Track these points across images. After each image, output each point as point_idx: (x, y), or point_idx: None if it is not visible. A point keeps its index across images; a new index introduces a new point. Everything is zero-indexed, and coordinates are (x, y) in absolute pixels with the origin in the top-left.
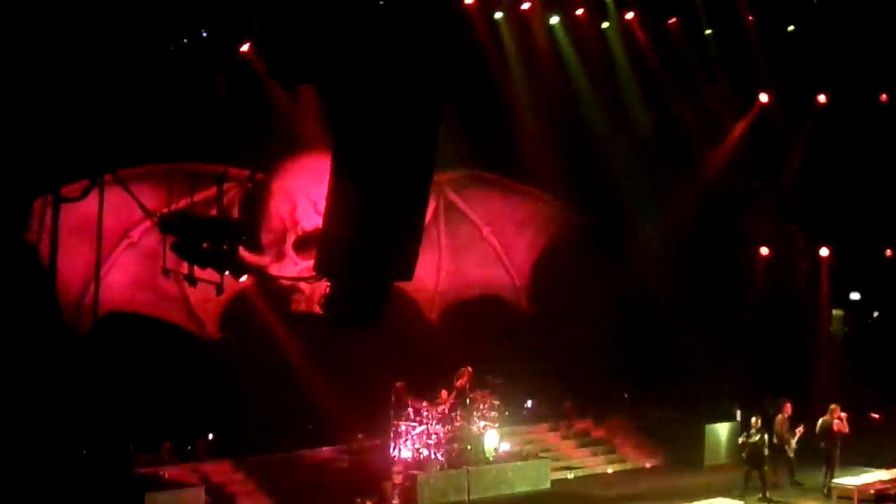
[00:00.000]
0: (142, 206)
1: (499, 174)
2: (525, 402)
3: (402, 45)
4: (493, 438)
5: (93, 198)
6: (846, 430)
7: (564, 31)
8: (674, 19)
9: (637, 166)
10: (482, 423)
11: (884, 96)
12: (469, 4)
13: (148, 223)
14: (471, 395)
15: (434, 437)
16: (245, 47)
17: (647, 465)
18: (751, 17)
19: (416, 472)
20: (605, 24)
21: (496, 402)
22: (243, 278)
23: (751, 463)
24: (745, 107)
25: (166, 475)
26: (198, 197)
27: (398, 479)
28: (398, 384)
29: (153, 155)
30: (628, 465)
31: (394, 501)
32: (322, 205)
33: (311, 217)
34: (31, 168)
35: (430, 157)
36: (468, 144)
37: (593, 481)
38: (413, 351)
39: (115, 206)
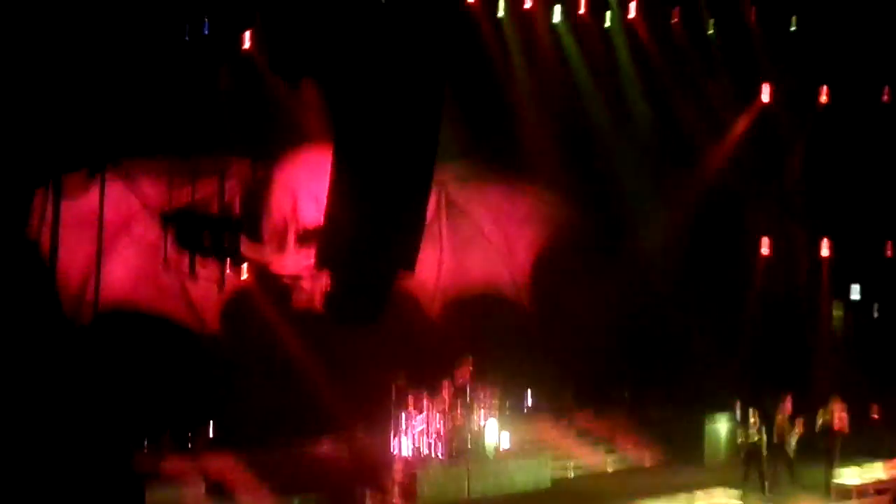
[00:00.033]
0: (143, 200)
1: (501, 170)
2: (525, 398)
3: (404, 40)
4: (494, 434)
5: (94, 191)
6: (847, 425)
7: (567, 27)
8: (676, 16)
9: (638, 163)
10: (483, 419)
11: (886, 95)
12: (471, 1)
13: (149, 216)
14: (471, 390)
15: (434, 432)
16: (247, 41)
17: (648, 461)
18: (753, 14)
19: (416, 467)
20: (607, 21)
21: (497, 398)
22: (245, 274)
23: (749, 461)
24: (746, 103)
25: (166, 468)
26: (199, 190)
27: (398, 474)
28: (399, 378)
29: (154, 148)
30: (628, 462)
31: (394, 496)
32: (324, 198)
33: (313, 211)
34: (32, 162)
35: (431, 151)
36: (470, 140)
37: (593, 476)
38: (413, 346)
39: (116, 200)
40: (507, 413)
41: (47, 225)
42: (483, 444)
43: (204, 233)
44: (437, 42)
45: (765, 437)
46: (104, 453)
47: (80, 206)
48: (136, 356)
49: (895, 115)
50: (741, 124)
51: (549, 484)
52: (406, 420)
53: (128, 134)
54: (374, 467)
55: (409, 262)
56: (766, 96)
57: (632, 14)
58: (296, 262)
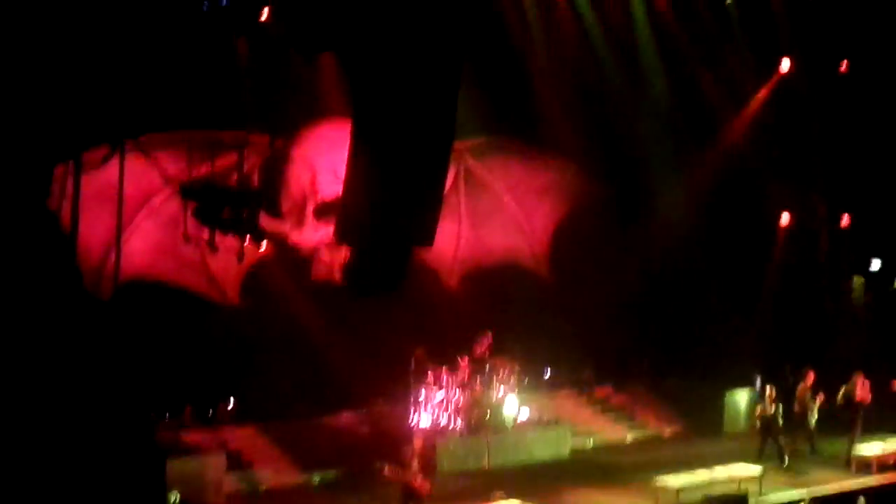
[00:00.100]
0: (162, 173)
1: (519, 141)
2: (544, 369)
3: (423, 13)
4: (513, 405)
5: (113, 165)
6: (869, 398)
7: None
8: None
9: (658, 134)
10: (502, 390)
11: None
12: None
13: (169, 190)
14: (490, 363)
15: (454, 403)
16: (265, 14)
17: (667, 432)
18: None
19: (435, 439)
20: None
21: (516, 369)
22: (263, 245)
23: (765, 433)
24: (766, 74)
25: (188, 441)
26: (218, 164)
27: (417, 446)
28: (418, 351)
29: (173, 122)
30: (648, 433)
31: (413, 469)
32: (342, 172)
33: (332, 184)
34: (53, 134)
35: (450, 123)
36: (489, 111)
37: (612, 448)
38: (432, 318)
39: (136, 173)
40: (526, 385)
41: (68, 198)
42: (502, 415)
43: (224, 207)
44: (456, 14)
45: (781, 410)
46: (125, 426)
47: (99, 179)
48: (157, 328)
49: None
50: (761, 95)
51: (567, 455)
52: (425, 392)
53: (147, 108)
54: (393, 440)
55: (428, 237)
56: (785, 67)
57: None
58: (315, 236)
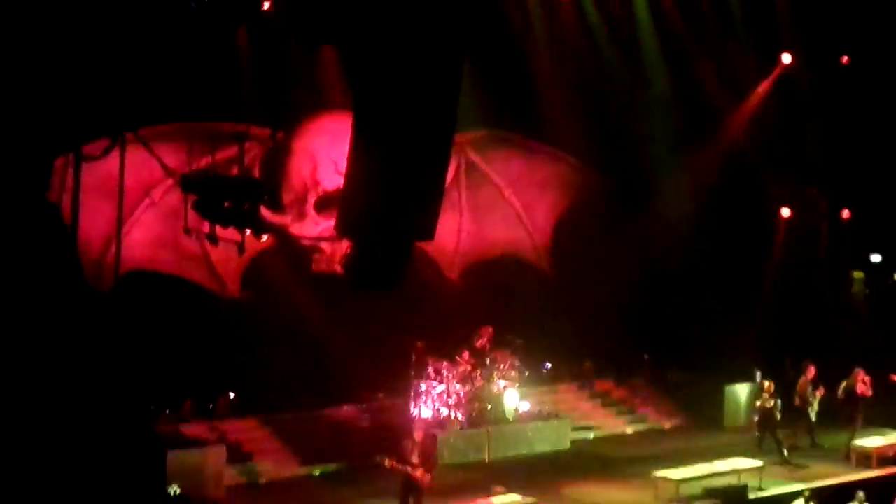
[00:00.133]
0: (163, 165)
1: (521, 135)
2: (545, 362)
3: (423, 4)
4: (514, 398)
5: (114, 156)
6: (870, 393)
7: None
8: None
9: (659, 128)
10: (502, 383)
11: None
12: None
13: (169, 182)
14: (491, 356)
15: (454, 396)
16: (266, 5)
17: (667, 425)
18: None
19: (436, 431)
20: None
21: (516, 363)
22: (264, 238)
23: (763, 427)
24: (767, 68)
25: (188, 433)
26: (219, 156)
27: (418, 438)
28: (419, 344)
29: (174, 114)
30: (648, 426)
31: (413, 460)
32: (343, 164)
33: (333, 177)
34: (53, 126)
35: (451, 116)
36: (490, 105)
37: (613, 441)
38: (434, 311)
39: (137, 165)
40: (527, 378)
41: (68, 190)
42: (502, 408)
43: (224, 200)
44: (457, 6)
45: (779, 403)
46: (125, 418)
47: (99, 171)
48: (158, 320)
49: None
50: (762, 90)
51: (568, 447)
52: (426, 385)
53: (147, 100)
54: (393, 432)
55: (429, 231)
56: (786, 61)
57: None
58: (315, 228)
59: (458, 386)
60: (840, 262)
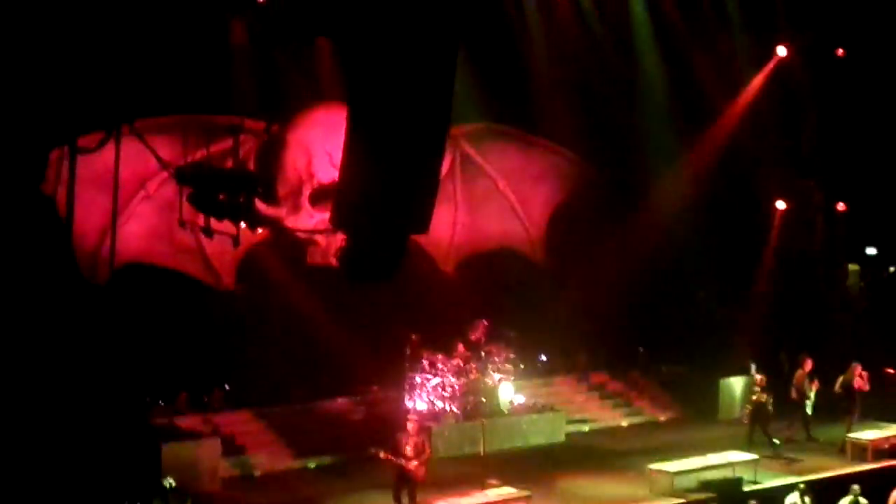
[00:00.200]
0: (158, 158)
1: (516, 127)
2: (539, 355)
3: None
4: (508, 391)
5: (109, 149)
6: (867, 387)
7: None
8: None
9: (655, 121)
10: (497, 376)
11: None
12: None
13: (164, 175)
14: (486, 348)
15: (449, 389)
16: None
17: (662, 418)
18: None
19: (430, 423)
20: None
21: (511, 355)
22: (259, 230)
23: (754, 420)
24: (762, 60)
25: (182, 426)
26: (213, 148)
27: (413, 430)
28: (413, 336)
29: (169, 106)
30: (643, 419)
31: (408, 453)
32: (338, 157)
33: (328, 169)
34: (48, 119)
35: (446, 109)
36: (485, 98)
37: (608, 434)
38: (428, 303)
39: (132, 158)
40: (522, 370)
41: (63, 182)
42: (497, 401)
43: (219, 192)
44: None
45: (771, 398)
46: (120, 410)
47: (94, 163)
48: (153, 313)
49: None
50: (757, 82)
51: (563, 439)
52: (420, 378)
53: (142, 92)
54: (388, 425)
55: (424, 224)
56: (782, 53)
57: None
58: (310, 221)
59: (453, 378)
60: (835, 254)
